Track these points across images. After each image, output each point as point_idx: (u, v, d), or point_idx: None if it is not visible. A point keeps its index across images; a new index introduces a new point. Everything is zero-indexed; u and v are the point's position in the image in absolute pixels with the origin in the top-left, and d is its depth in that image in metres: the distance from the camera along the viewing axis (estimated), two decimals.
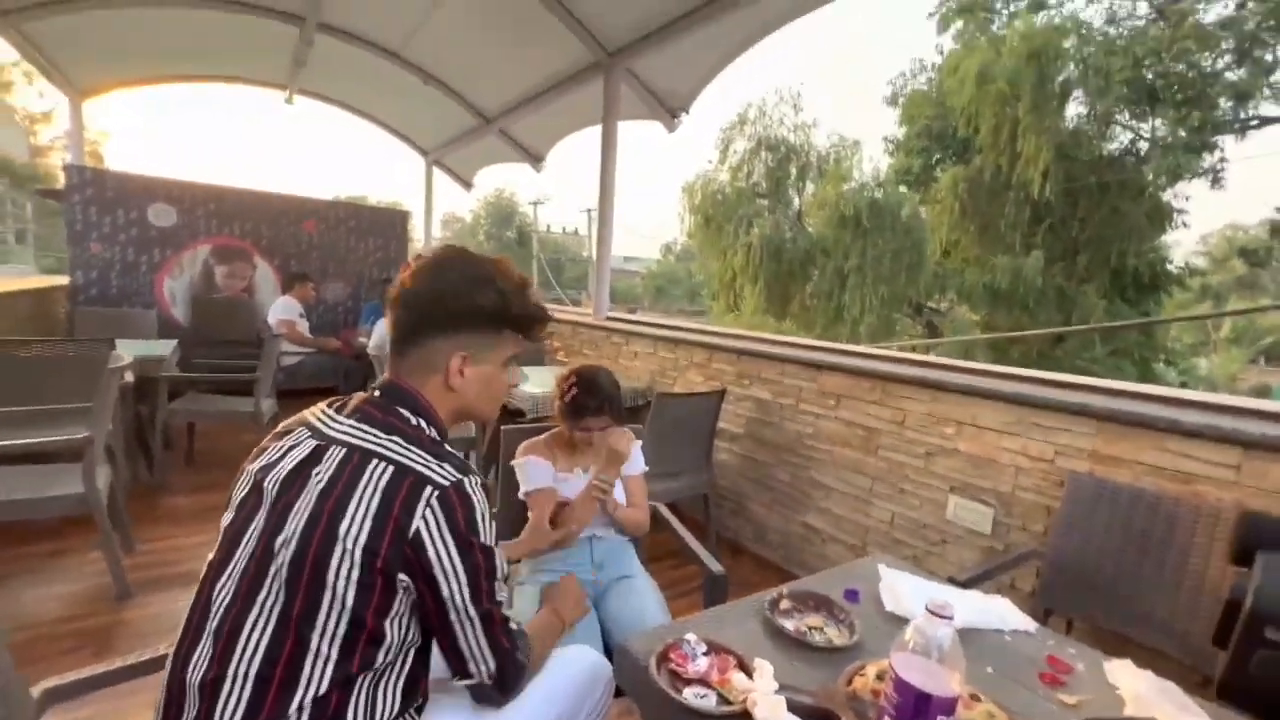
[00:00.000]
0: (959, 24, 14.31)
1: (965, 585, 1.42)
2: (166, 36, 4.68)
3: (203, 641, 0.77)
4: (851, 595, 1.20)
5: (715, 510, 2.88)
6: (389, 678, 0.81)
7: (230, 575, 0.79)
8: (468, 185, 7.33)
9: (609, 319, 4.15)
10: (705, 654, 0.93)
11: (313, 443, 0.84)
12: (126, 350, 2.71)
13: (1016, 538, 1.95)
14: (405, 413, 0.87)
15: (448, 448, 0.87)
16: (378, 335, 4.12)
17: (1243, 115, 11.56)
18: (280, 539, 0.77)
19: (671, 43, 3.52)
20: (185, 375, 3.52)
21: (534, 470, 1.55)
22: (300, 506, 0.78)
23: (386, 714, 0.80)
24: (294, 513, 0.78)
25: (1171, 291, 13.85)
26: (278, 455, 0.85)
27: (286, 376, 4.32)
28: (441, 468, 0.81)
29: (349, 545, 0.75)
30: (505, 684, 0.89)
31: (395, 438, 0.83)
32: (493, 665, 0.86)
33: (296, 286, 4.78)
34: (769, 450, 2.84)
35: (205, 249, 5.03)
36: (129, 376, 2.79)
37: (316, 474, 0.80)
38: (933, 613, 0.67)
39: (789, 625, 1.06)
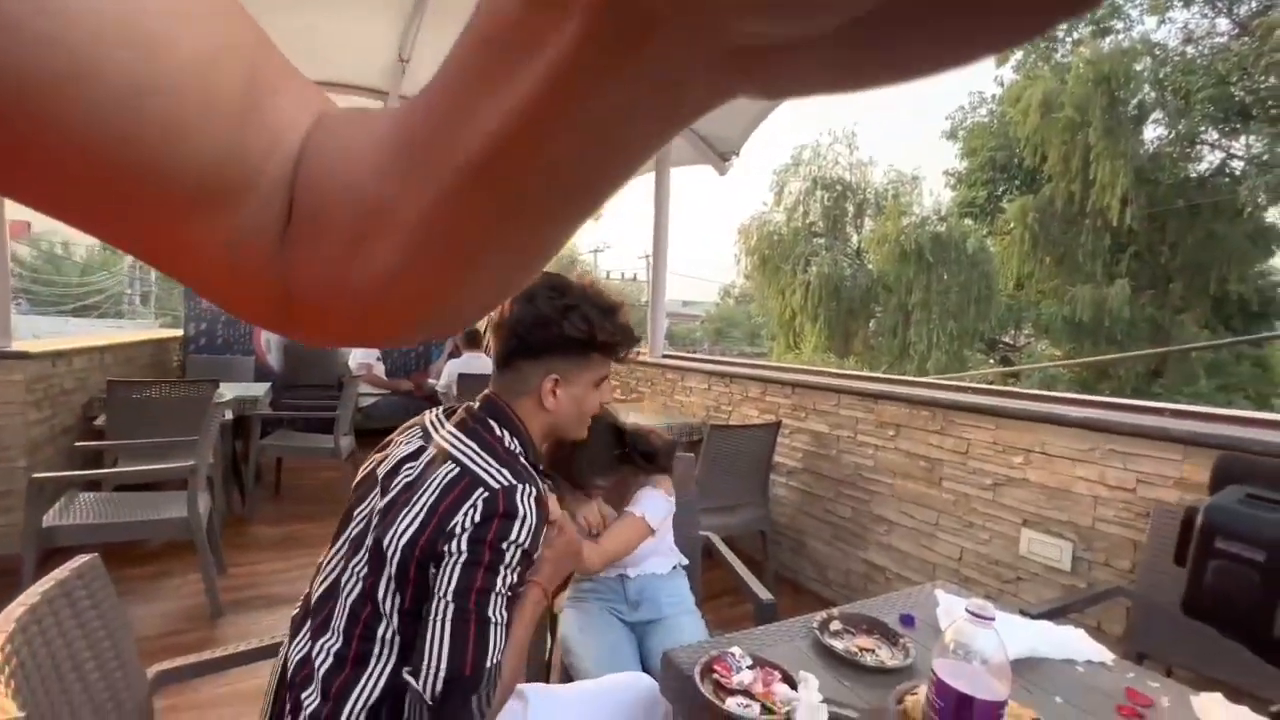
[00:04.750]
0: (1018, 55, 14.07)
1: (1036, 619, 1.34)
2: None
3: (309, 621, 0.87)
4: (907, 620, 1.16)
5: (773, 547, 2.82)
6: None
7: (338, 548, 0.90)
8: None
9: (664, 357, 4.22)
10: (750, 667, 0.94)
11: (419, 443, 0.93)
12: (227, 391, 3.01)
13: (1101, 575, 1.81)
14: (493, 423, 0.93)
15: (523, 460, 0.92)
16: (446, 375, 4.37)
17: None
18: (375, 520, 0.86)
19: None
20: (276, 414, 3.84)
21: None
22: (388, 493, 0.87)
23: None
24: (383, 498, 0.87)
25: None
26: (390, 450, 0.96)
27: (363, 417, 4.61)
28: (500, 473, 0.84)
29: (400, 532, 0.81)
30: (444, 701, 0.73)
31: (473, 443, 0.89)
32: (438, 683, 0.73)
33: None
34: (827, 484, 2.78)
35: None
36: (229, 415, 3.10)
37: (409, 468, 0.89)
38: (973, 614, 0.67)
39: (839, 645, 1.04)
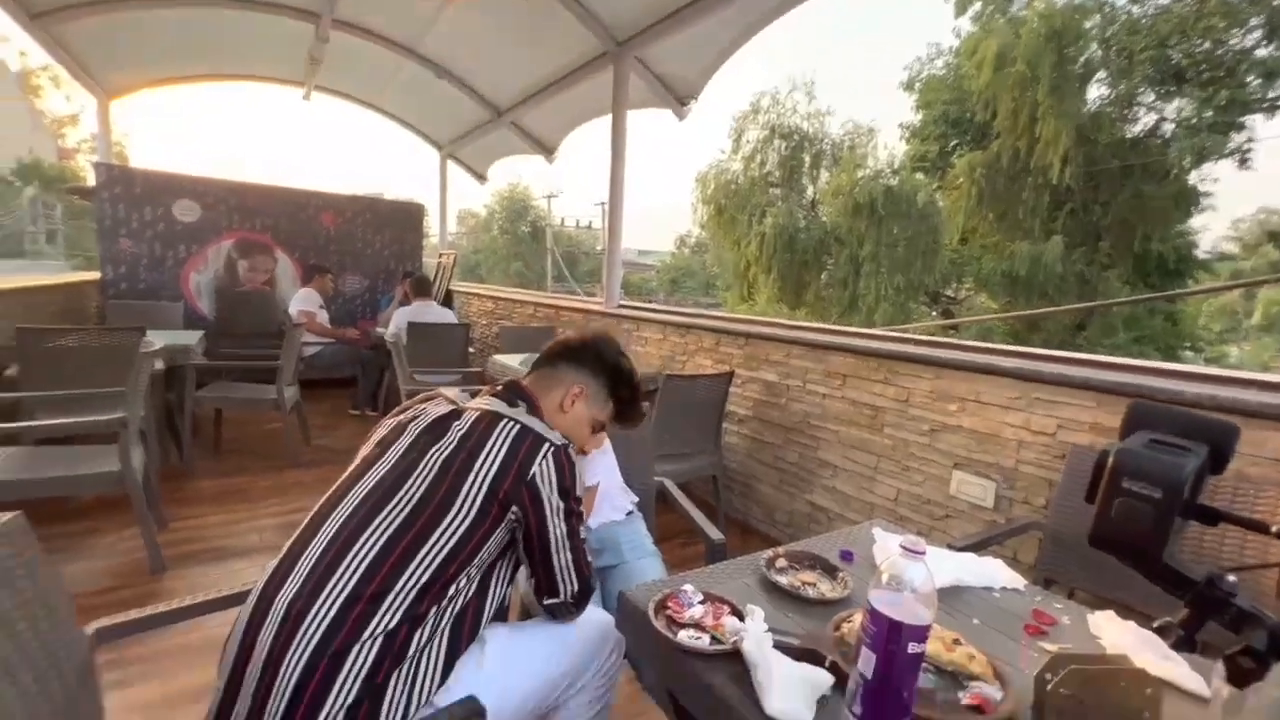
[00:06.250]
0: (976, 5, 14.05)
1: (961, 551, 1.45)
2: (189, 37, 4.82)
3: (301, 563, 0.91)
4: (846, 556, 1.24)
5: (724, 492, 2.93)
6: (447, 621, 0.92)
7: (360, 492, 0.98)
8: (482, 178, 7.42)
9: (620, 307, 4.21)
10: (701, 602, 0.99)
11: (450, 407, 1.08)
12: (156, 339, 2.83)
13: (1019, 511, 1.97)
14: (520, 402, 1.11)
15: None
16: (394, 323, 4.23)
17: (1271, 94, 11.22)
18: (424, 462, 0.98)
19: (680, 29, 3.54)
20: (212, 364, 3.65)
21: None
22: (442, 446, 0.99)
23: (440, 654, 0.91)
24: (438, 447, 0.99)
25: (1198, 277, 13.55)
26: (421, 411, 1.08)
27: (306, 366, 4.44)
28: (552, 434, 1.03)
29: (483, 473, 0.96)
30: (582, 599, 1.07)
31: (519, 409, 1.07)
32: (577, 585, 1.05)
33: (316, 278, 4.90)
34: (776, 431, 2.88)
35: (228, 243, 5.18)
36: (159, 364, 2.92)
37: (456, 425, 1.02)
38: (906, 549, 0.72)
39: (783, 580, 1.11)
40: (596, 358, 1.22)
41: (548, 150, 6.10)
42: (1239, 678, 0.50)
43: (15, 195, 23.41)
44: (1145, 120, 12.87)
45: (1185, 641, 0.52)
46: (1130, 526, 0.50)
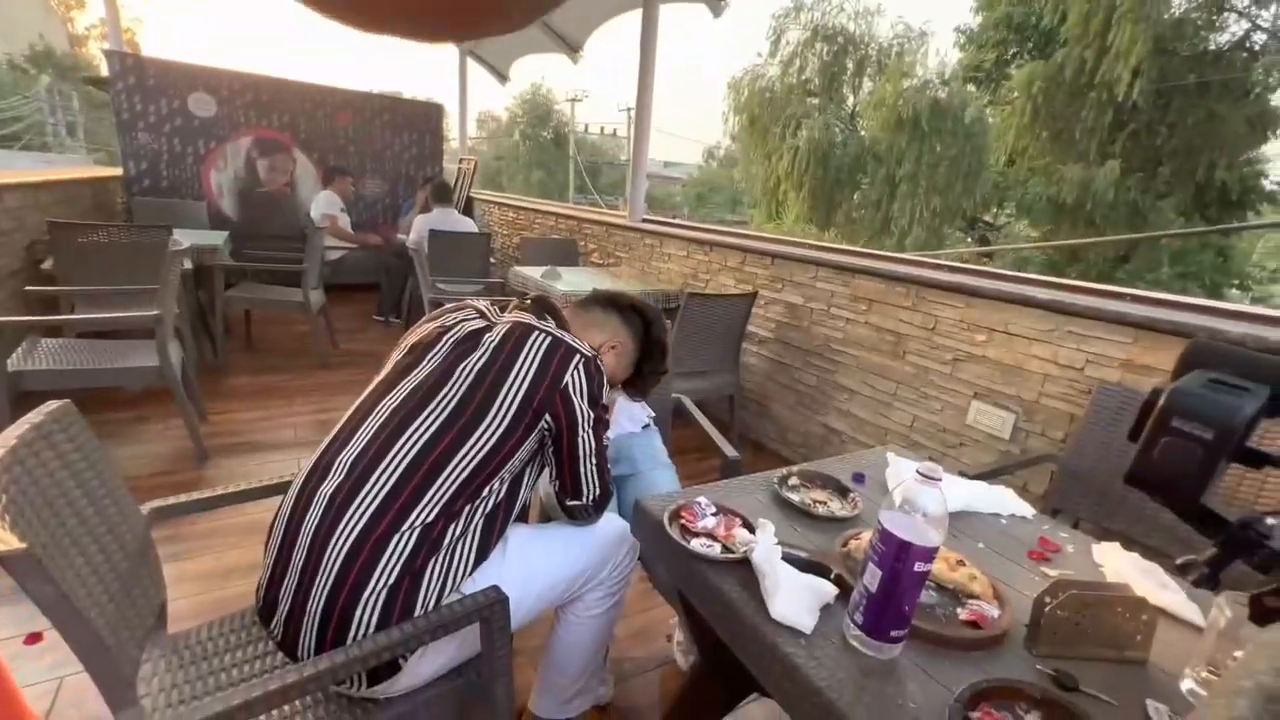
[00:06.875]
0: None
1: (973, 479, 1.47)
2: None
3: (341, 459, 0.96)
4: (858, 478, 1.27)
5: (740, 411, 2.97)
6: (479, 518, 0.98)
7: (397, 396, 1.01)
8: (503, 78, 7.04)
9: (644, 221, 4.10)
10: (714, 514, 1.02)
11: (482, 321, 1.10)
12: (183, 239, 2.85)
13: (1035, 443, 1.97)
14: (548, 318, 1.14)
15: None
16: (416, 230, 4.19)
17: None
18: (459, 371, 1.01)
19: None
20: (239, 265, 3.69)
21: None
22: (478, 355, 1.03)
23: (473, 547, 0.97)
24: (472, 357, 1.03)
25: (1260, 210, 12.65)
26: (454, 322, 1.11)
27: (331, 271, 4.47)
28: (581, 345, 1.07)
29: (517, 383, 1.00)
30: (602, 504, 1.14)
31: (548, 322, 1.11)
32: (598, 490, 1.11)
33: (336, 180, 4.82)
34: (796, 354, 2.87)
35: (247, 141, 5.07)
36: (188, 264, 2.96)
37: (488, 338, 1.05)
38: (922, 474, 0.73)
39: (795, 498, 1.14)
40: (646, 327, 1.28)
41: (572, 48, 5.73)
42: (1264, 616, 0.51)
43: (31, 84, 22.94)
44: (1234, 29, 11.55)
45: (1208, 579, 0.53)
46: (1173, 467, 0.49)
